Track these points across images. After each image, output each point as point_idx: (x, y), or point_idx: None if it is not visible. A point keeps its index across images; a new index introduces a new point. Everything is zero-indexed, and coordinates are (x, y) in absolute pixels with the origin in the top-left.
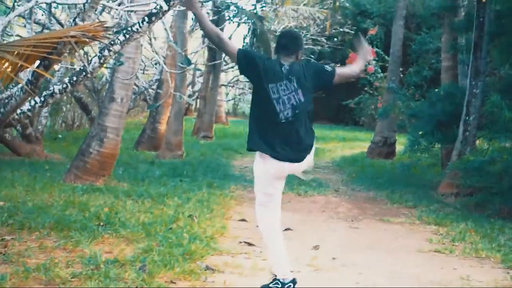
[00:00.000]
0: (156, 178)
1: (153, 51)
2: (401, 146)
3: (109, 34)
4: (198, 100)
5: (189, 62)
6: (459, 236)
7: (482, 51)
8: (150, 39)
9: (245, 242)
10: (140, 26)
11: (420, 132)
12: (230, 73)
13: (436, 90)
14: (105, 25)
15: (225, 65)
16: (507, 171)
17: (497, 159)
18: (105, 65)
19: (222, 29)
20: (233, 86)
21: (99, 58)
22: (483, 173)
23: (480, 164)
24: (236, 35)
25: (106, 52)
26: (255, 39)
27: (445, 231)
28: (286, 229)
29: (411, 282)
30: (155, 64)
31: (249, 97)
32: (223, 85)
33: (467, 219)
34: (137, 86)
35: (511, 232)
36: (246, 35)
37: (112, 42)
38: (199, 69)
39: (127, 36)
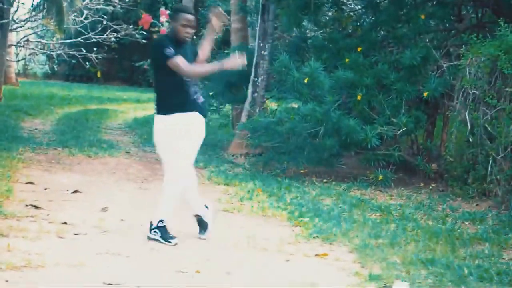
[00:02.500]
0: None
1: None
2: None
3: None
4: None
5: None
6: (247, 195)
7: (270, 14)
8: None
9: (32, 205)
10: None
11: (211, 93)
12: (21, 32)
13: (226, 52)
14: None
15: (14, 24)
16: (294, 131)
17: (285, 119)
18: None
19: None
20: (23, 46)
21: None
22: (271, 133)
23: (268, 124)
24: None
25: None
26: None
27: (234, 191)
28: (74, 191)
29: (197, 241)
30: None
31: (40, 57)
32: (12, 45)
33: (255, 178)
34: None
35: (296, 191)
36: None
37: None
38: None
39: None
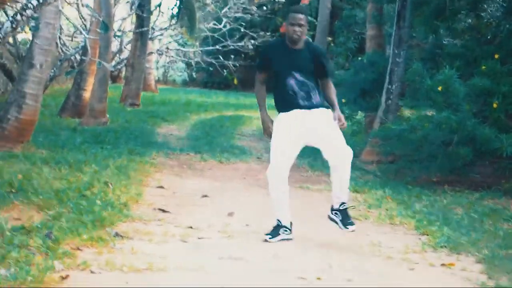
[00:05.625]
0: (77, 145)
1: (80, 18)
2: None
3: None
4: (126, 68)
5: (106, 28)
6: (375, 203)
7: (405, 21)
8: (78, 6)
9: (159, 209)
10: None
11: (343, 100)
12: (163, 40)
13: (360, 58)
14: None
15: (154, 32)
16: (426, 139)
17: (418, 127)
18: (27, 31)
19: None
20: (163, 54)
21: (11, 23)
22: (403, 141)
23: (401, 132)
24: (164, 4)
25: (18, 17)
26: (181, 7)
27: (362, 198)
28: (203, 196)
29: (320, 248)
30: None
31: (179, 65)
32: (151, 52)
33: (385, 186)
34: (64, 52)
35: (427, 199)
36: (175, 6)
37: (25, 7)
38: (119, 36)
39: (41, 0)
